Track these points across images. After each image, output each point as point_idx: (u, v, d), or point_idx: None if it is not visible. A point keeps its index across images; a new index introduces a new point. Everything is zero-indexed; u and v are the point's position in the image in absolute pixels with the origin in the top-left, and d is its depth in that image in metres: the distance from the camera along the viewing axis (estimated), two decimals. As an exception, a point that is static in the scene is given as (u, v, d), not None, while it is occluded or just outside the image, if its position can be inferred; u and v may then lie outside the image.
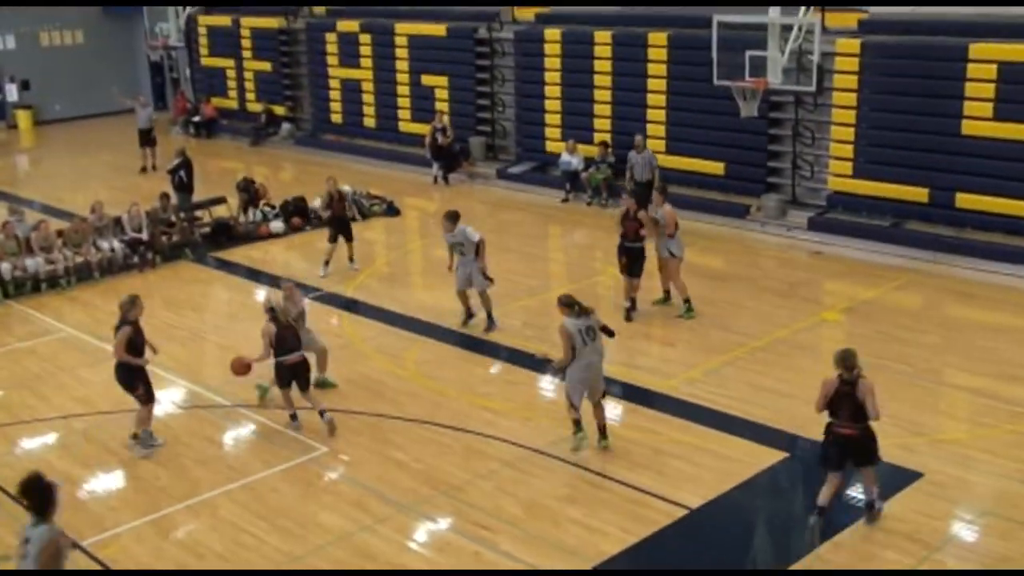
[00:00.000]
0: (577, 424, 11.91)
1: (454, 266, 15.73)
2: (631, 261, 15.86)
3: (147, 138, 29.02)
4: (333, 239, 18.79)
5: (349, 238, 18.91)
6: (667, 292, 16.58)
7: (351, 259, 19.07)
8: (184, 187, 22.87)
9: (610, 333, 12.19)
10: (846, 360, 9.91)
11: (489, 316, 15.86)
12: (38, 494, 7.84)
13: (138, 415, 12.54)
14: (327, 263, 18.90)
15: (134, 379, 12.42)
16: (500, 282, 18.01)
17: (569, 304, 11.71)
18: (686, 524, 10.61)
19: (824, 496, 10.21)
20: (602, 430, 12.00)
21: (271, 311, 12.86)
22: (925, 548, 9.97)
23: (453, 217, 15.55)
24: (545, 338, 15.58)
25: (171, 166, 23.34)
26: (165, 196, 21.04)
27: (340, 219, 19.01)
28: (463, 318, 16.02)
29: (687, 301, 16.12)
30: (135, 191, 23.42)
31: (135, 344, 12.32)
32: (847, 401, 9.91)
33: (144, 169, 28.69)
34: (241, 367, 13.16)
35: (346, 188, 21.43)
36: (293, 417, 12.84)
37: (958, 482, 11.15)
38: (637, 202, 16.37)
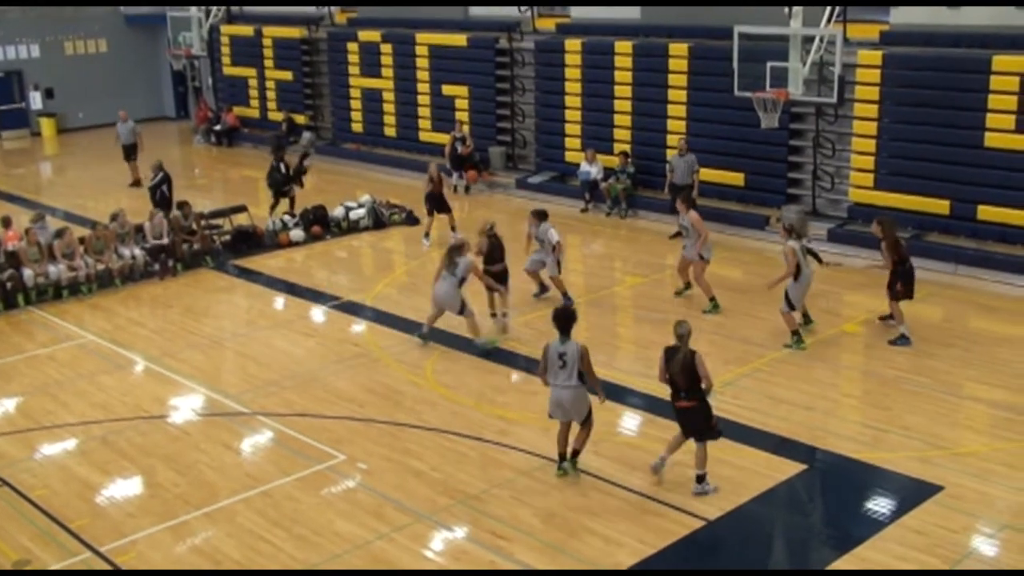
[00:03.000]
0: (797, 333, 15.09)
1: (529, 249, 17.50)
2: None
3: (132, 153, 28.13)
4: (430, 213, 21.45)
5: (448, 211, 21.56)
6: (688, 283, 17.37)
7: (453, 228, 21.34)
8: (166, 202, 22.24)
9: (818, 258, 15.85)
10: None
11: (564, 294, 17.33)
12: (565, 318, 11.20)
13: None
14: (427, 235, 21.45)
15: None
16: (518, 291, 18.05)
17: (790, 229, 15.11)
18: (703, 536, 10.57)
19: None
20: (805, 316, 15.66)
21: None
22: (944, 562, 9.90)
23: (541, 215, 17.22)
24: (563, 348, 15.58)
25: (151, 183, 22.82)
26: (186, 204, 21.11)
27: (437, 196, 21.33)
28: (537, 291, 17.75)
29: (713, 299, 16.66)
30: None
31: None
32: None
33: (136, 183, 27.66)
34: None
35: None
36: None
37: (978, 495, 11.07)
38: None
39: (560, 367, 11.23)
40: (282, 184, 23.31)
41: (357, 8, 31.68)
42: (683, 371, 10.95)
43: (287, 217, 22.70)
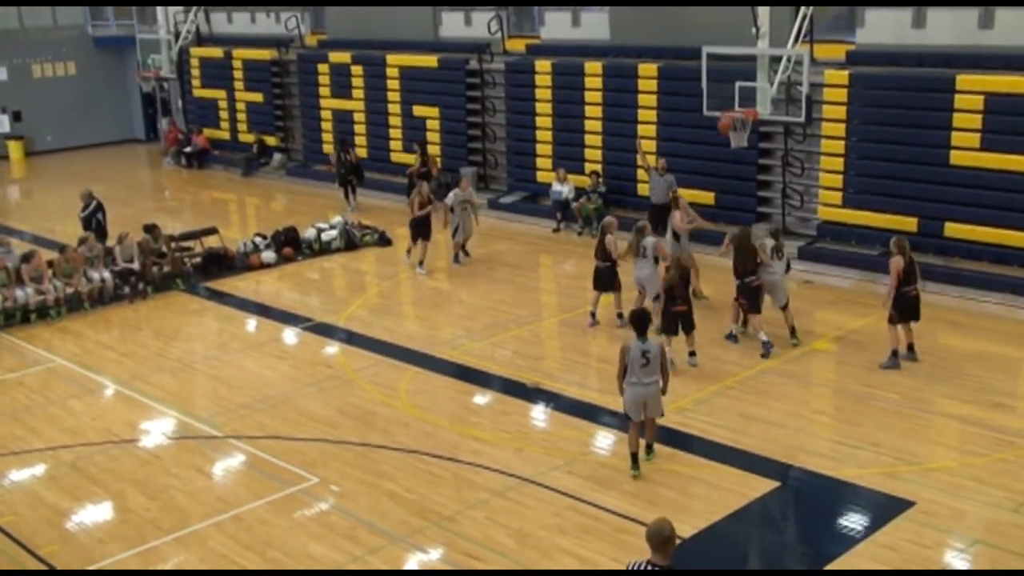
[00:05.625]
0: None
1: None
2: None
3: None
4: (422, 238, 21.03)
5: (428, 238, 20.81)
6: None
7: (420, 263, 20.83)
8: (102, 231, 21.26)
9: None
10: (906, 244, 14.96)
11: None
12: (642, 320, 11.91)
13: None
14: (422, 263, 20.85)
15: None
16: (490, 312, 18.09)
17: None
18: (677, 554, 10.52)
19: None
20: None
21: None
22: (916, 577, 9.96)
23: (643, 230, 16.55)
24: (536, 368, 15.61)
25: (84, 212, 21.54)
26: (154, 227, 21.00)
27: (424, 219, 20.82)
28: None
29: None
30: (126, 222, 23.37)
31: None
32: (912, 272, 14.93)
33: None
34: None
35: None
36: None
37: (949, 511, 11.14)
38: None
39: (642, 365, 11.74)
40: (347, 175, 26.30)
41: (327, 30, 31.71)
42: (682, 282, 14.70)
43: (258, 239, 22.62)
